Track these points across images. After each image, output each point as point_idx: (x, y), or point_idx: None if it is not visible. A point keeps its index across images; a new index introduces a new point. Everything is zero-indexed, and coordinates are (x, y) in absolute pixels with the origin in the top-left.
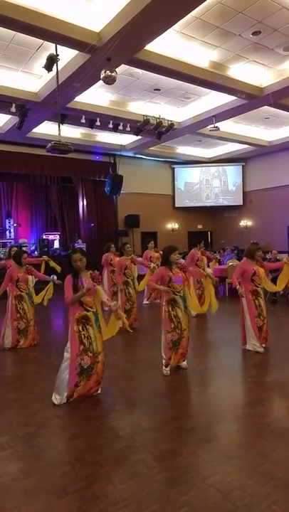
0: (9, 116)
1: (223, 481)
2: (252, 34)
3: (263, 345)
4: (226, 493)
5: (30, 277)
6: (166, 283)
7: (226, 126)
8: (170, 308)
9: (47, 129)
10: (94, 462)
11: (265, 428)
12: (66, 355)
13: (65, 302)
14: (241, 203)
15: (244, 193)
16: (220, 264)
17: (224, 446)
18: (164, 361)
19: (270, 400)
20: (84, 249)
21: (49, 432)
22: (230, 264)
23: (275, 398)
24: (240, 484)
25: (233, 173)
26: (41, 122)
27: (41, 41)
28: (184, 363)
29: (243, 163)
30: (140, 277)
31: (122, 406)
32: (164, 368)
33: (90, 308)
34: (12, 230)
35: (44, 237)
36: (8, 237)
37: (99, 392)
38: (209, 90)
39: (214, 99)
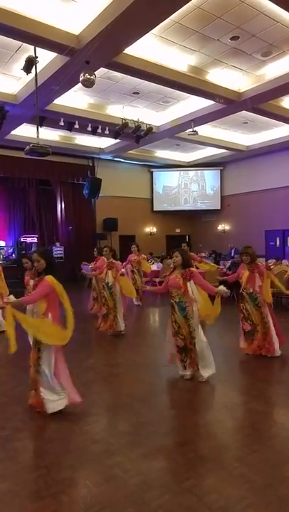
0: None
1: (198, 484)
2: (230, 39)
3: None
4: (201, 497)
5: None
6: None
7: (205, 130)
8: (171, 312)
9: (26, 131)
10: (69, 466)
11: (241, 432)
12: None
13: None
14: (219, 207)
15: (222, 198)
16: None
17: (199, 450)
18: (178, 364)
19: (246, 404)
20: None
21: (25, 435)
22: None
23: (251, 402)
24: (215, 487)
25: (211, 178)
26: (20, 124)
27: (20, 43)
28: (203, 374)
29: (221, 168)
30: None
31: (98, 409)
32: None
33: None
34: None
35: (22, 239)
36: None
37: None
38: (188, 95)
39: (193, 104)
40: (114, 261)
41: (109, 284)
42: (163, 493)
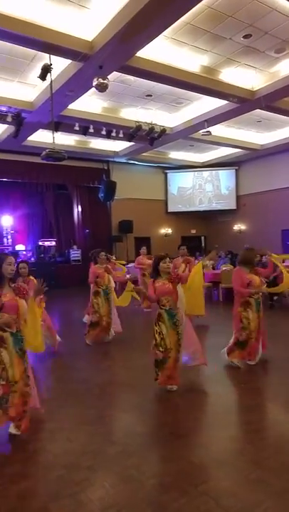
0: (6, 126)
1: (215, 487)
2: (243, 37)
3: (250, 360)
4: (218, 500)
5: None
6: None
7: (218, 130)
8: (156, 323)
9: (42, 136)
10: (87, 467)
11: (258, 435)
12: None
13: None
14: (235, 207)
15: (237, 197)
16: (214, 268)
17: (216, 453)
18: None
19: (262, 406)
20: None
21: (44, 436)
22: (224, 268)
23: (267, 405)
24: (232, 491)
25: (226, 177)
26: (36, 130)
27: (35, 51)
28: (172, 386)
29: (236, 167)
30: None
31: (115, 411)
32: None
33: (6, 329)
34: (9, 237)
35: (40, 243)
36: (6, 244)
37: (18, 433)
38: (201, 95)
39: (206, 104)
40: (108, 266)
41: (107, 289)
42: (180, 496)
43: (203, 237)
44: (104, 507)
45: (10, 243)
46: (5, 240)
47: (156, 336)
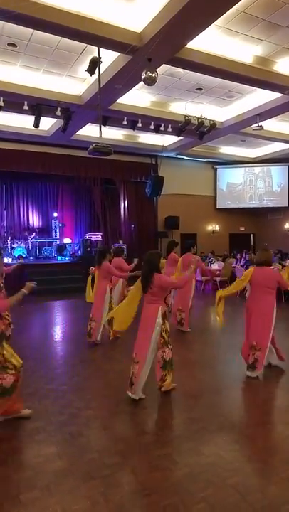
0: (54, 120)
1: (243, 482)
2: None
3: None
4: (245, 495)
5: None
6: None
7: (271, 124)
8: (163, 320)
9: (90, 131)
10: (119, 452)
11: None
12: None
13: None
14: (286, 205)
15: None
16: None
17: (248, 450)
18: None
19: None
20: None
21: (80, 421)
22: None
23: None
24: (260, 487)
25: (278, 174)
26: (85, 125)
27: (84, 45)
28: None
29: None
30: None
31: (151, 403)
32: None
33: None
34: (57, 230)
35: (87, 237)
36: (53, 237)
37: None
38: (254, 88)
39: (259, 97)
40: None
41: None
42: (207, 486)
43: (252, 235)
44: (133, 491)
45: (58, 236)
46: (53, 233)
47: (164, 334)
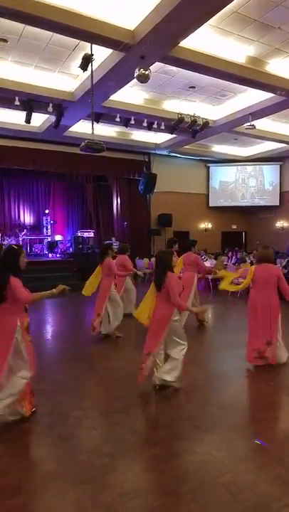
0: (46, 116)
1: (233, 481)
2: None
3: None
4: (236, 494)
5: None
6: None
7: (264, 124)
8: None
9: (83, 127)
10: (109, 453)
11: (284, 433)
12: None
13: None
14: (278, 204)
15: (281, 193)
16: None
17: (238, 449)
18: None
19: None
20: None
21: (69, 422)
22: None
23: None
24: (250, 486)
25: (269, 173)
26: (77, 121)
27: (77, 41)
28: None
29: (281, 163)
30: None
31: (141, 402)
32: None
33: None
34: (49, 227)
35: (79, 234)
36: (45, 234)
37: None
38: (246, 87)
39: (251, 97)
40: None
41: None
42: (198, 486)
43: (243, 233)
44: (122, 493)
45: (49, 233)
46: (44, 230)
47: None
